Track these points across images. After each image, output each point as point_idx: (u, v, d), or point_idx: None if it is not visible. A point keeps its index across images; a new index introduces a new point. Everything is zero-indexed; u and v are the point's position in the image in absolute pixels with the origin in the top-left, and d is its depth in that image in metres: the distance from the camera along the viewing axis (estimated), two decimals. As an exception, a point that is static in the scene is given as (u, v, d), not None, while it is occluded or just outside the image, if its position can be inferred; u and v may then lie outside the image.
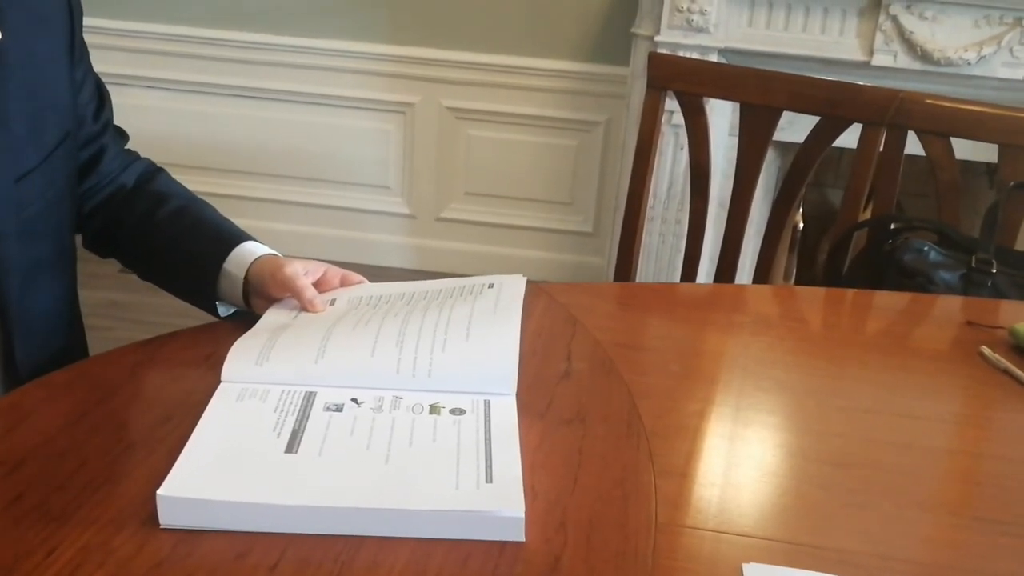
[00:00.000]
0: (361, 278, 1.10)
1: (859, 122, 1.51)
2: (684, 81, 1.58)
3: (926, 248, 1.43)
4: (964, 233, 1.47)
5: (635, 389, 0.95)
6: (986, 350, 1.09)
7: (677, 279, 2.52)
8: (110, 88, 1.15)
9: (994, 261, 1.39)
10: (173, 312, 1.19)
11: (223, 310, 1.06)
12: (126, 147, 1.18)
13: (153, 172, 1.17)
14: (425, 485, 0.74)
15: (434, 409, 0.85)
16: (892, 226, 1.53)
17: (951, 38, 2.44)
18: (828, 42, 2.51)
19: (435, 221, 3.18)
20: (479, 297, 1.00)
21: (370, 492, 0.72)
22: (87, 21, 1.10)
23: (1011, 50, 2.44)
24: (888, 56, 2.47)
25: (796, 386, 1.02)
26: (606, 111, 2.96)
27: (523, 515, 0.71)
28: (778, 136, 1.63)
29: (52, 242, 1.05)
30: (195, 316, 1.05)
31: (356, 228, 3.19)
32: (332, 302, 1.03)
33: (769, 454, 0.89)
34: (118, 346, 0.97)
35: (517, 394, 0.88)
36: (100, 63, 1.12)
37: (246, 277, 1.03)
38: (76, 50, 1.07)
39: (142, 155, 1.19)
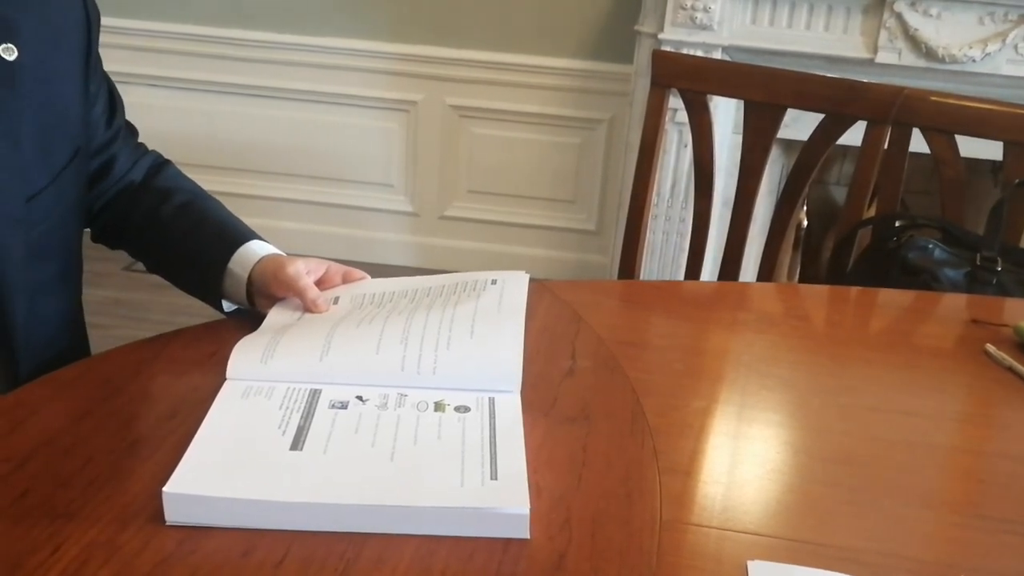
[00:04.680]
0: (363, 274, 1.10)
1: (863, 120, 1.51)
2: (688, 79, 1.58)
3: (931, 246, 1.43)
4: (969, 230, 1.47)
5: (639, 387, 0.95)
6: (991, 348, 1.09)
7: (681, 277, 2.53)
8: (114, 87, 1.15)
9: (999, 259, 1.38)
10: (177, 310, 1.20)
11: (227, 306, 1.06)
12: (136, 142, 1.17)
13: (160, 165, 1.16)
14: (430, 482, 0.74)
15: (439, 406, 0.85)
16: (896, 224, 1.53)
17: (955, 35, 2.43)
18: (832, 39, 2.50)
19: (438, 219, 3.18)
20: (483, 294, 1.00)
21: (375, 489, 0.72)
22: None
23: (1016, 47, 2.43)
24: (892, 53, 2.47)
25: (800, 384, 1.02)
26: (610, 109, 2.96)
27: (528, 512, 0.71)
28: (782, 134, 1.63)
29: (59, 260, 1.05)
30: (199, 314, 1.05)
31: (359, 226, 3.19)
32: (335, 300, 1.03)
33: (773, 452, 0.89)
34: (122, 344, 0.97)
35: (521, 392, 0.88)
36: (105, 62, 1.11)
37: (249, 278, 1.03)
38: (92, 63, 1.05)
39: (147, 153, 1.19)
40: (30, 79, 0.95)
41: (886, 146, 1.51)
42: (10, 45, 0.93)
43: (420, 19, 2.96)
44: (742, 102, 1.59)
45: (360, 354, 0.90)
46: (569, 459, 0.82)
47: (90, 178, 1.09)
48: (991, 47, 2.42)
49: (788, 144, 2.65)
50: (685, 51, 2.47)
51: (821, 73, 1.58)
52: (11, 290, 0.97)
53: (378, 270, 1.09)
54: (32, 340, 1.01)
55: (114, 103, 1.12)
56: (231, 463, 0.75)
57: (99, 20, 1.06)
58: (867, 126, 1.51)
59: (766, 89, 1.54)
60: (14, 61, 0.94)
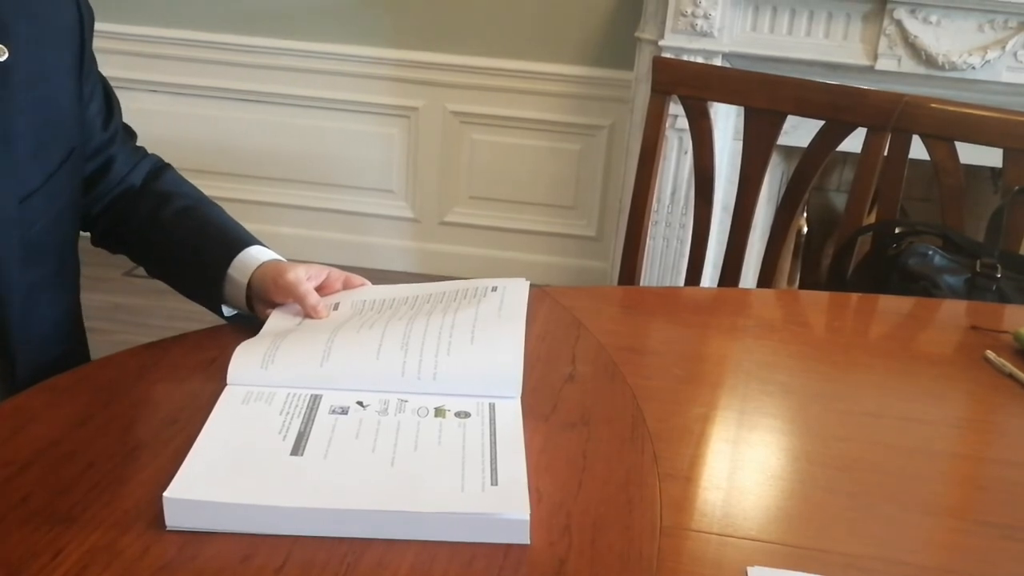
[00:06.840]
0: (364, 280, 1.10)
1: (863, 126, 1.51)
2: (688, 85, 1.58)
3: (930, 252, 1.43)
4: (968, 237, 1.47)
5: (639, 393, 0.95)
6: (991, 354, 1.09)
7: (681, 283, 2.52)
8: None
9: (999, 265, 1.39)
10: (177, 316, 1.20)
11: (227, 311, 1.06)
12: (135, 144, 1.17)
13: (159, 170, 1.16)
14: (430, 487, 0.74)
15: (439, 412, 0.85)
16: (896, 230, 1.53)
17: (955, 42, 2.44)
18: (832, 46, 2.51)
19: (439, 225, 3.18)
20: (483, 300, 1.00)
21: (375, 494, 0.73)
22: (92, 26, 1.09)
23: (1015, 54, 2.44)
24: (892, 60, 2.48)
25: (800, 390, 1.02)
26: (610, 115, 2.97)
27: (528, 518, 0.71)
28: (782, 140, 1.63)
29: (55, 261, 1.04)
30: (199, 320, 1.05)
31: (360, 232, 3.20)
32: (336, 306, 1.04)
33: (773, 458, 0.89)
34: (122, 349, 0.97)
35: (522, 397, 0.89)
36: (104, 67, 1.11)
37: (249, 283, 1.03)
38: (85, 63, 1.05)
39: (147, 157, 1.19)
40: (22, 79, 0.95)
41: (886, 153, 1.51)
42: (1, 46, 0.93)
43: (421, 25, 2.97)
44: (742, 108, 1.59)
45: (360, 359, 0.90)
46: (569, 465, 0.82)
47: (88, 180, 1.09)
48: (991, 54, 2.42)
49: (788, 151, 2.66)
50: (685, 58, 2.47)
51: (821, 80, 1.58)
52: (6, 290, 0.97)
53: (378, 276, 1.09)
54: (29, 341, 1.01)
55: (111, 105, 1.12)
56: (231, 468, 0.75)
57: (92, 20, 1.06)
58: (867, 133, 1.52)
59: (766, 96, 1.54)
60: (6, 61, 0.94)
